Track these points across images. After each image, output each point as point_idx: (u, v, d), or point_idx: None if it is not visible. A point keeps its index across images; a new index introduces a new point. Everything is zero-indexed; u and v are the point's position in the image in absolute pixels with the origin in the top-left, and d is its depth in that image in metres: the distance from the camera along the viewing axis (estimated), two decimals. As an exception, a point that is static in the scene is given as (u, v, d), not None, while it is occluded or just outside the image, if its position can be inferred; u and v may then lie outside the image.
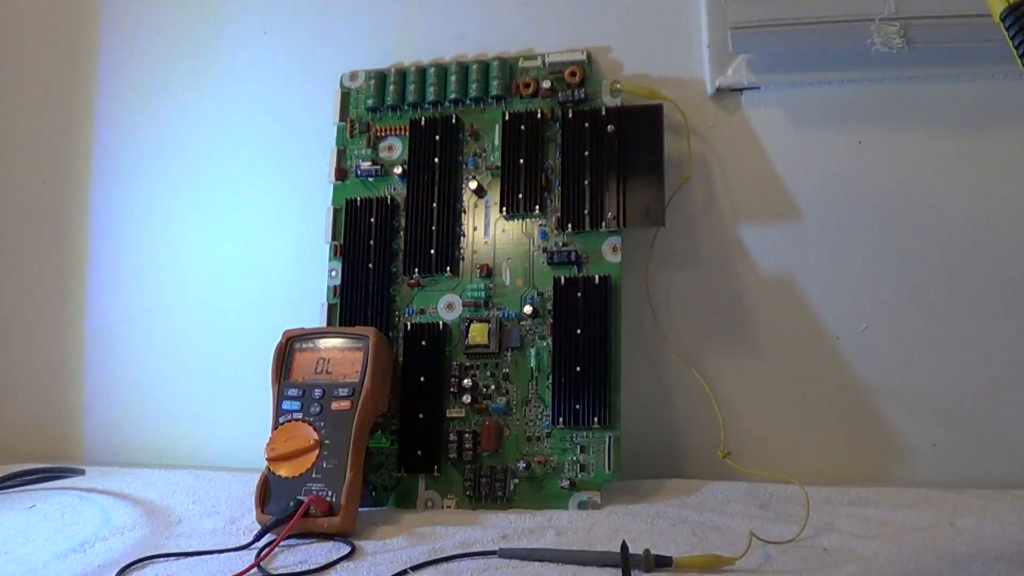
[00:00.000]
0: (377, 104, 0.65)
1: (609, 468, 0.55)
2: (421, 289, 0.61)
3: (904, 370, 0.61)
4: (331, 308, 0.62)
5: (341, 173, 0.64)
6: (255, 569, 0.45)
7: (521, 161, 0.61)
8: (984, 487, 0.55)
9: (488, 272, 0.60)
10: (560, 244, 0.60)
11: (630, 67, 0.65)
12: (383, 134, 0.64)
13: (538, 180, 0.60)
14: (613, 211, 0.58)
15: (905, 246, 0.61)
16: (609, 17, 0.66)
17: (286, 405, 0.54)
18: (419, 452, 0.57)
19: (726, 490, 0.56)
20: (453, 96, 0.63)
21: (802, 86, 0.63)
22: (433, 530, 0.51)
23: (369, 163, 0.64)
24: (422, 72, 0.65)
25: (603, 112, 0.60)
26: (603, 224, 0.58)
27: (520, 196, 0.60)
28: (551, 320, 0.58)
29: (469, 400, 0.58)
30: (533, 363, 0.58)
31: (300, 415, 0.54)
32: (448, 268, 0.61)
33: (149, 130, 0.75)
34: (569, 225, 0.59)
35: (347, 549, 0.47)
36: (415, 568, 0.44)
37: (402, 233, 0.62)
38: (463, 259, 0.61)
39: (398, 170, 0.63)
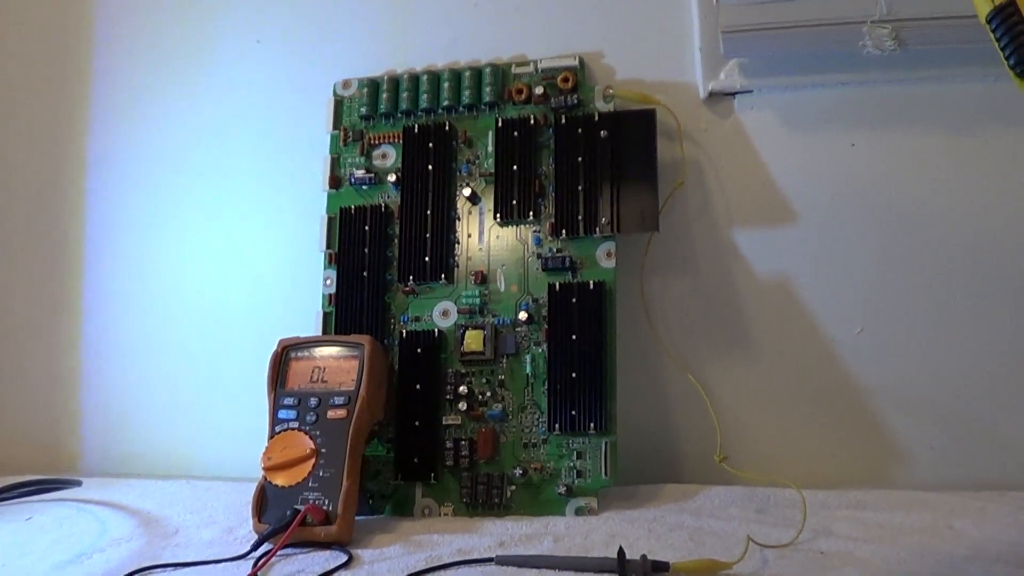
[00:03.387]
0: (370, 112, 0.65)
1: (606, 474, 0.55)
2: (416, 296, 0.61)
3: (901, 372, 0.60)
4: (326, 316, 0.62)
5: (335, 181, 0.64)
6: (252, 579, 0.44)
7: (515, 167, 0.61)
8: (982, 489, 0.55)
9: (483, 279, 0.60)
10: (554, 250, 0.59)
11: (623, 72, 0.65)
12: (377, 142, 0.64)
13: (532, 186, 0.60)
14: (607, 217, 0.58)
15: (900, 248, 0.61)
16: (601, 22, 0.66)
17: (282, 414, 0.54)
18: (415, 460, 0.57)
19: (723, 495, 0.56)
20: (446, 103, 0.63)
21: (795, 89, 0.62)
22: (430, 538, 0.51)
23: (363, 171, 0.64)
24: (415, 79, 0.65)
25: (596, 117, 0.60)
26: (597, 230, 0.58)
27: (514, 202, 0.60)
28: (546, 326, 0.58)
29: (465, 407, 0.58)
30: (529, 369, 0.58)
31: (296, 424, 0.53)
32: (443, 275, 0.60)
33: (143, 138, 0.75)
34: (563, 231, 0.59)
35: (344, 558, 0.47)
36: (412, 576, 0.44)
37: (396, 241, 0.62)
38: (458, 266, 0.61)
39: (392, 178, 0.63)
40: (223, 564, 0.47)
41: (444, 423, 0.58)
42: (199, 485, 0.65)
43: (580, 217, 0.59)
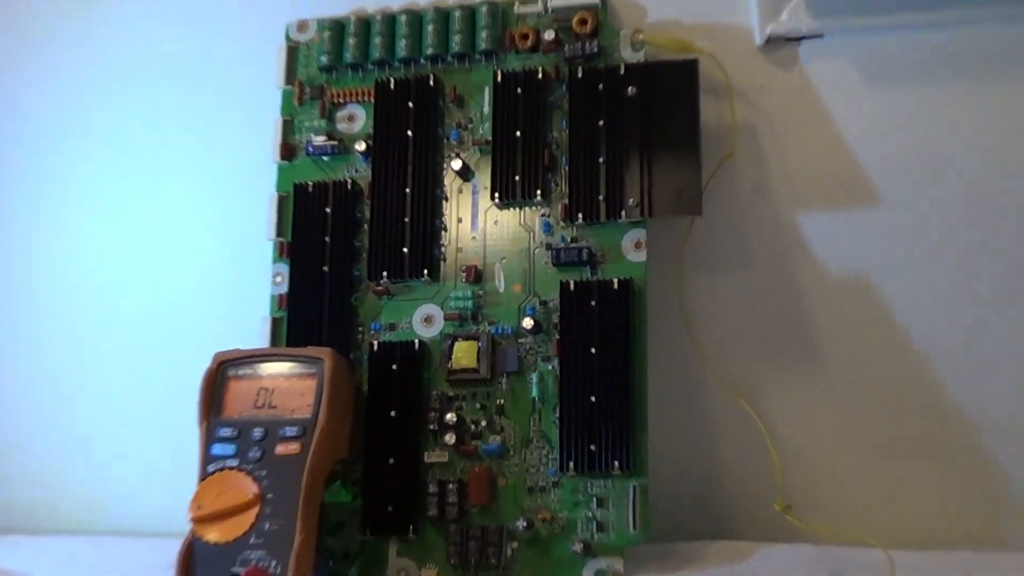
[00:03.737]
0: (333, 62, 0.64)
1: (634, 527, 0.54)
2: (391, 298, 0.61)
3: (1019, 397, 0.59)
4: (275, 323, 0.61)
5: (288, 150, 0.63)
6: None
7: (517, 133, 0.60)
8: None
9: (477, 276, 0.60)
10: (568, 239, 0.59)
11: (656, 12, 0.64)
12: (341, 100, 0.64)
13: (539, 158, 0.59)
14: (636, 197, 0.57)
15: (1016, 237, 0.60)
16: (629, -51, 0.65)
17: (217, 449, 0.53)
18: (389, 508, 0.56)
19: (787, 555, 0.55)
20: (430, 51, 0.62)
21: (878, 32, 0.61)
22: (407, 611, 0.50)
23: (323, 137, 0.63)
24: (390, 21, 0.64)
25: (622, 70, 0.59)
26: (623, 213, 0.57)
27: (517, 178, 0.59)
28: (558, 336, 0.57)
29: (453, 440, 0.57)
30: (535, 392, 0.57)
31: (235, 462, 0.53)
32: (426, 271, 0.59)
33: (34, 97, 0.75)
34: (579, 215, 0.58)
35: (295, 638, 0.46)
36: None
37: (366, 227, 0.61)
38: (445, 259, 0.60)
39: (361, 146, 0.62)
40: (135, 648, 0.46)
41: (426, 461, 0.57)
42: (106, 543, 0.64)
43: (601, 197, 0.58)
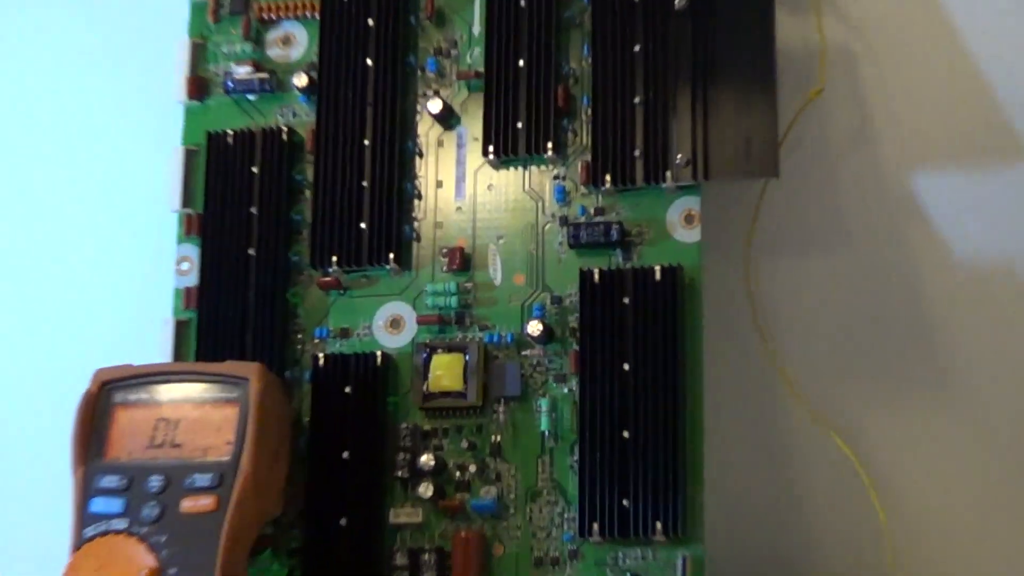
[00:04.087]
0: None
1: None
2: (343, 294, 0.59)
3: None
4: (180, 328, 0.60)
5: (198, 86, 0.62)
6: None
7: (520, 63, 0.58)
8: None
9: (463, 262, 0.58)
10: (591, 211, 0.57)
11: None
12: (273, 16, 0.62)
13: (551, 97, 0.58)
14: (686, 152, 0.55)
15: None
16: None
17: (98, 505, 0.52)
18: None
19: None
20: None
21: None
22: None
23: (248, 68, 0.62)
24: None
25: None
26: (668, 176, 0.55)
27: (519, 126, 0.58)
28: (576, 347, 0.55)
29: (430, 493, 0.55)
30: (545, 425, 0.55)
31: (124, 523, 0.51)
32: (392, 256, 0.58)
33: None
34: (607, 177, 0.56)
35: None
36: None
37: (308, 194, 0.60)
38: (418, 239, 0.59)
39: (301, 80, 0.61)
40: None
41: (392, 522, 0.56)
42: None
43: (637, 152, 0.56)
